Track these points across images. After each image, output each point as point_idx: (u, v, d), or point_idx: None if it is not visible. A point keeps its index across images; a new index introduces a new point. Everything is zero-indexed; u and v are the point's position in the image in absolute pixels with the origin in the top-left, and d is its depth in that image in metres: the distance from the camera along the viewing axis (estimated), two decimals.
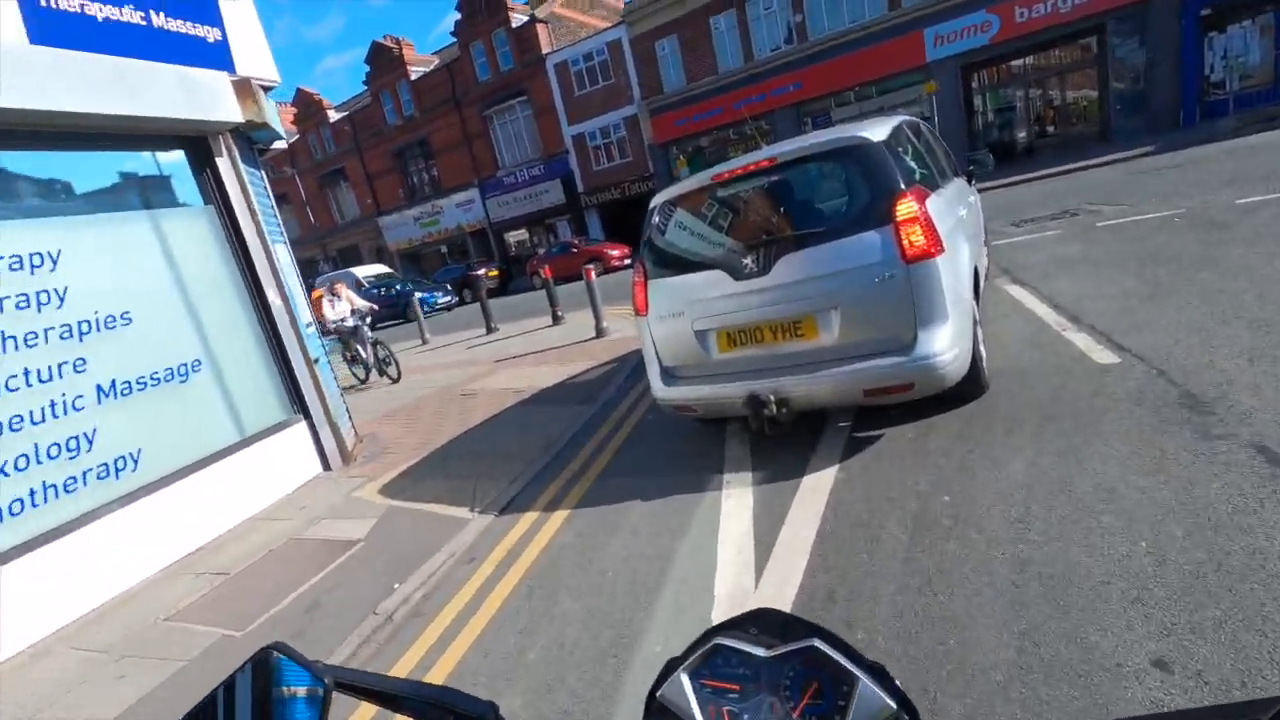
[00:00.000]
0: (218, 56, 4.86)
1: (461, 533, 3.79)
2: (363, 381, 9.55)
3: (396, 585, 3.34)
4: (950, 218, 3.52)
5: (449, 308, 21.19)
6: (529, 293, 20.90)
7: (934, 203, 3.31)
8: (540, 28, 24.79)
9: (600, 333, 8.53)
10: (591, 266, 8.98)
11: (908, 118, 4.16)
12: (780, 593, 2.49)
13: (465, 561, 3.55)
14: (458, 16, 25.96)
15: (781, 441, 3.76)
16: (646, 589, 2.79)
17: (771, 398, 3.28)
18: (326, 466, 5.57)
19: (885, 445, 3.44)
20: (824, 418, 3.95)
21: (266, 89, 5.26)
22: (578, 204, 25.98)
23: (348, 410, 6.33)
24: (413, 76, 28.54)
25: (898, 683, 0.51)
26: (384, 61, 28.79)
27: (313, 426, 5.45)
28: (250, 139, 5.38)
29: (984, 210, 6.03)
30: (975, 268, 3.70)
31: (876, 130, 3.32)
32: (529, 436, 5.20)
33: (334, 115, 32.80)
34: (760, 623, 0.59)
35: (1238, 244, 5.25)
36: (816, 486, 3.22)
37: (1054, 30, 17.21)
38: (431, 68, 29.24)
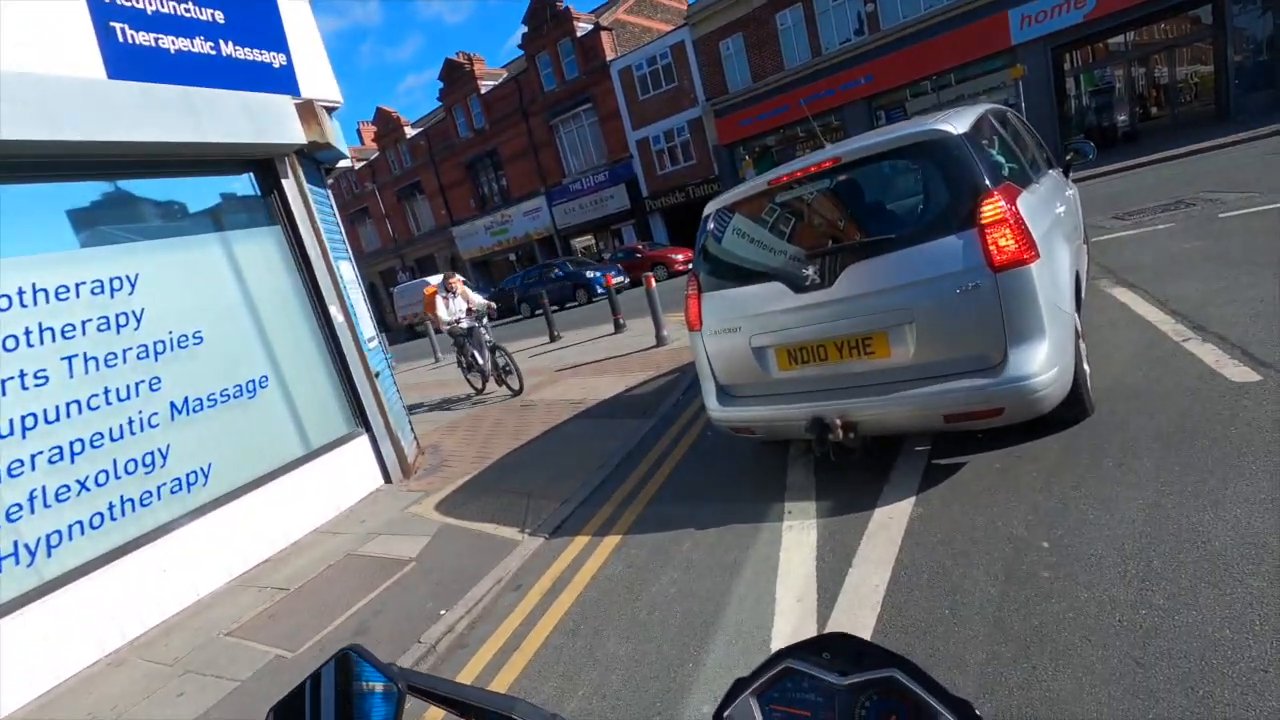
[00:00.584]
0: (283, 81, 5.01)
1: (509, 557, 3.68)
2: (479, 391, 8.49)
3: (443, 612, 3.25)
4: (1046, 218, 3.09)
5: (619, 290, 19.23)
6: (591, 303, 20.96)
7: (1026, 201, 2.89)
8: (604, 35, 24.94)
9: (661, 341, 8.34)
10: (652, 274, 8.79)
11: (993, 106, 3.72)
12: None
13: (512, 589, 3.43)
14: (524, 30, 26.52)
15: (850, 466, 3.43)
16: (696, 635, 2.55)
17: (838, 421, 2.97)
18: (388, 479, 5.64)
19: (970, 476, 3.06)
20: (899, 440, 3.58)
21: (330, 109, 5.39)
22: (642, 208, 25.94)
23: (410, 422, 6.41)
24: (483, 90, 29.40)
25: None
26: (456, 77, 29.82)
27: (374, 439, 5.53)
28: (315, 159, 5.53)
29: (1082, 204, 5.41)
30: (1076, 273, 3.24)
31: (957, 122, 2.92)
32: (584, 452, 5.06)
33: (410, 131, 34.30)
34: (834, 648, 0.56)
35: None
36: (889, 522, 2.88)
37: (1160, 1, 15.64)
38: (500, 81, 30.03)
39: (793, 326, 3.11)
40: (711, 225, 3.57)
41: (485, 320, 7.99)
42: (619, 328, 10.53)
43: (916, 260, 2.78)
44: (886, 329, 2.87)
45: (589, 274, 20.00)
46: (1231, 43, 15.50)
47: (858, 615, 2.35)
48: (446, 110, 31.06)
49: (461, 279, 8.14)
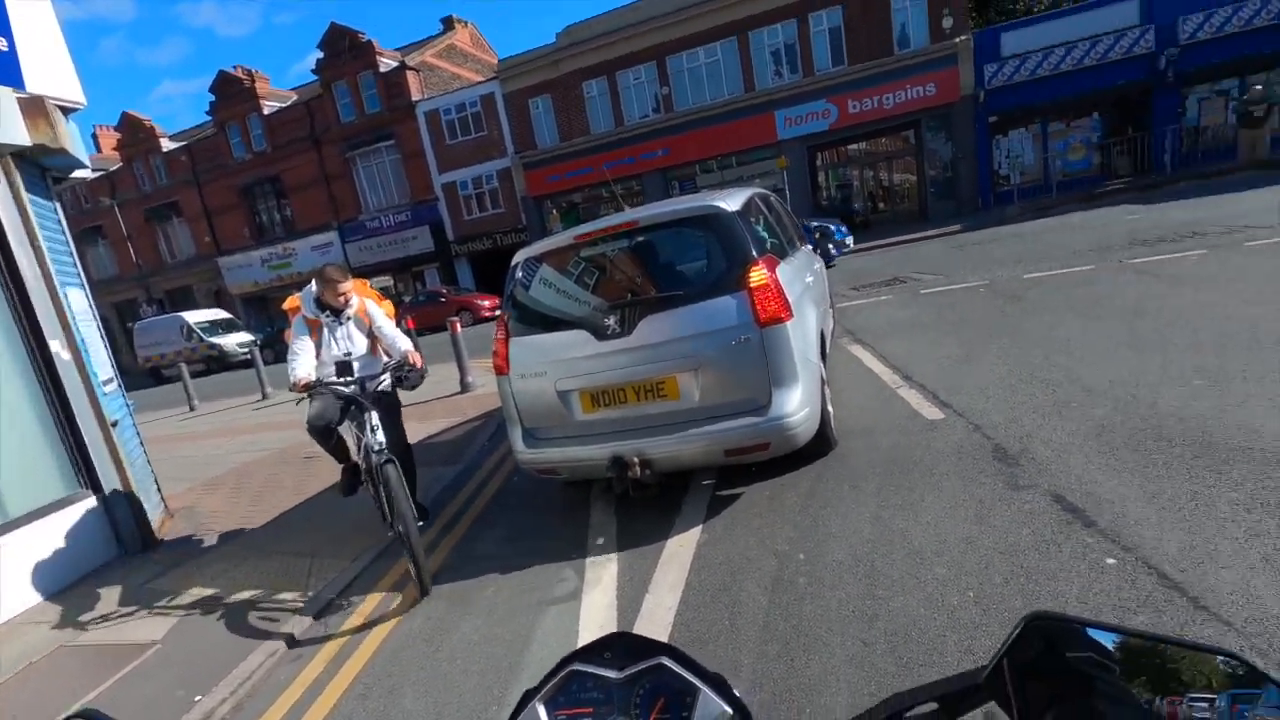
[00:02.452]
0: (2, 70, 4.15)
1: (286, 624, 3.29)
2: (348, 491, 4.14)
3: (198, 698, 2.79)
4: (798, 285, 3.76)
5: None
6: None
7: (783, 270, 3.53)
8: (410, 75, 24.37)
9: (465, 387, 8.15)
10: (457, 319, 8.61)
11: (759, 190, 4.46)
12: None
13: (290, 660, 3.06)
14: (320, 55, 24.85)
15: (648, 503, 3.71)
16: (500, 678, 2.54)
17: (635, 459, 3.23)
18: (124, 550, 4.68)
19: (746, 504, 3.50)
20: (689, 476, 3.96)
21: (67, 110, 4.58)
22: (448, 252, 25.26)
23: (155, 480, 5.42)
24: (266, 111, 26.66)
25: (736, 691, 0.55)
26: (232, 92, 26.67)
27: (105, 502, 4.58)
28: (41, 165, 4.61)
29: (828, 276, 6.59)
30: (821, 331, 3.96)
31: (731, 200, 3.48)
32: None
33: (168, 145, 29.61)
34: (614, 647, 0.61)
35: (1028, 313, 6.15)
36: (680, 550, 3.17)
37: (881, 122, 19.83)
38: (288, 103, 27.54)
39: (595, 371, 3.36)
40: (520, 274, 3.73)
41: (382, 381, 3.82)
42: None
43: (700, 315, 3.20)
44: (677, 374, 3.24)
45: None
46: (926, 160, 20.14)
47: (653, 634, 2.54)
48: (218, 126, 27.49)
49: (367, 282, 4.33)
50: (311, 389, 3.51)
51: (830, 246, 13.04)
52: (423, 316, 19.06)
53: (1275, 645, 1.82)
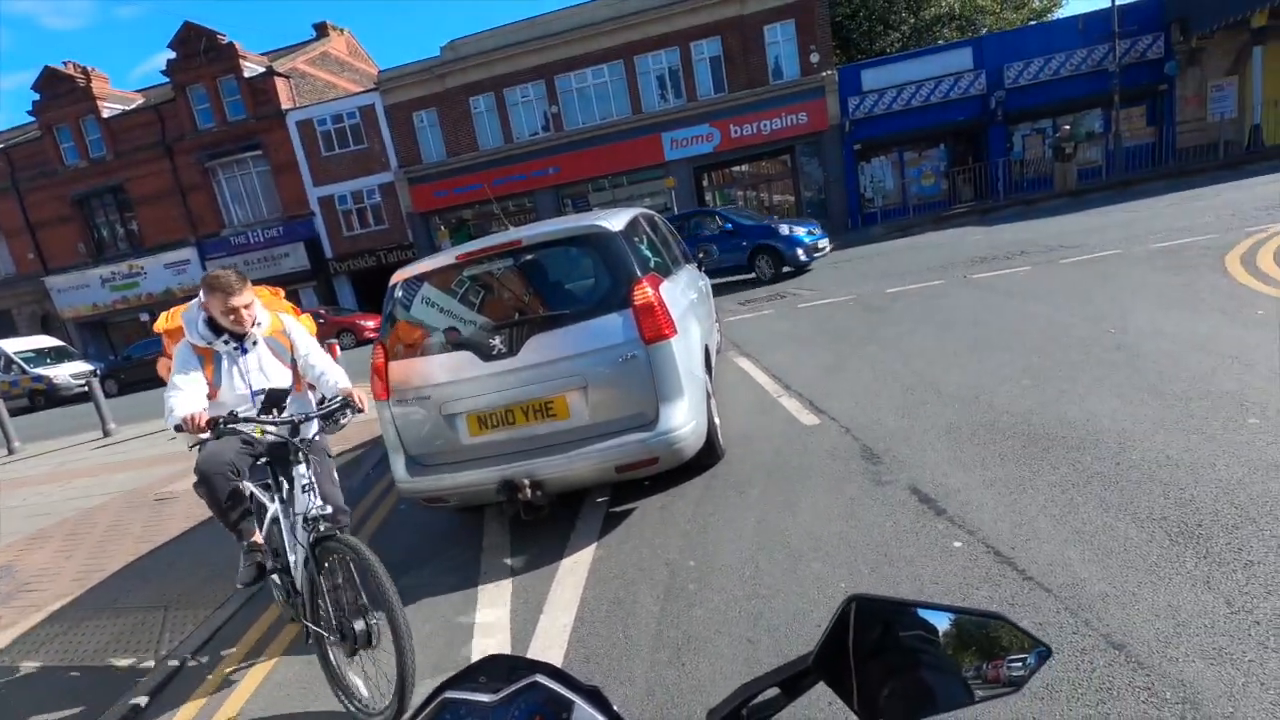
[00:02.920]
0: None
1: (131, 691, 2.92)
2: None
3: None
4: (682, 301, 3.89)
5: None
6: None
7: (667, 288, 3.62)
8: (280, 81, 22.81)
9: None
10: (337, 341, 8.12)
11: (644, 210, 4.60)
12: None
13: None
14: (171, 55, 22.66)
15: (542, 524, 3.67)
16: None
17: (526, 481, 3.17)
18: None
19: (639, 517, 3.57)
20: (583, 494, 3.97)
21: None
22: (326, 270, 23.73)
23: None
24: (106, 114, 23.86)
25: (614, 706, 0.55)
26: (63, 91, 23.64)
27: None
28: None
29: (717, 292, 6.90)
30: (706, 346, 4.14)
31: (615, 220, 3.55)
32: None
33: None
34: (489, 670, 0.60)
35: (889, 324, 6.76)
36: (575, 567, 3.17)
37: (761, 147, 21.07)
38: (133, 106, 24.84)
39: (482, 393, 3.29)
40: (400, 294, 3.59)
41: (319, 428, 2.86)
42: None
43: (588, 333, 3.23)
44: (565, 393, 3.25)
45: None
46: (802, 182, 21.62)
47: (547, 655, 2.52)
48: (45, 128, 24.22)
49: (280, 292, 3.44)
50: (218, 426, 2.39)
51: (799, 251, 12.09)
52: None
53: (1083, 605, 2.12)
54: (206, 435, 2.48)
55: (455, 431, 3.38)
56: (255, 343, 2.82)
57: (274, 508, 2.66)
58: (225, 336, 2.76)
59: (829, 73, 19.98)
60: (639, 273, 3.35)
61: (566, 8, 21.14)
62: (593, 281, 3.52)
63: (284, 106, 22.67)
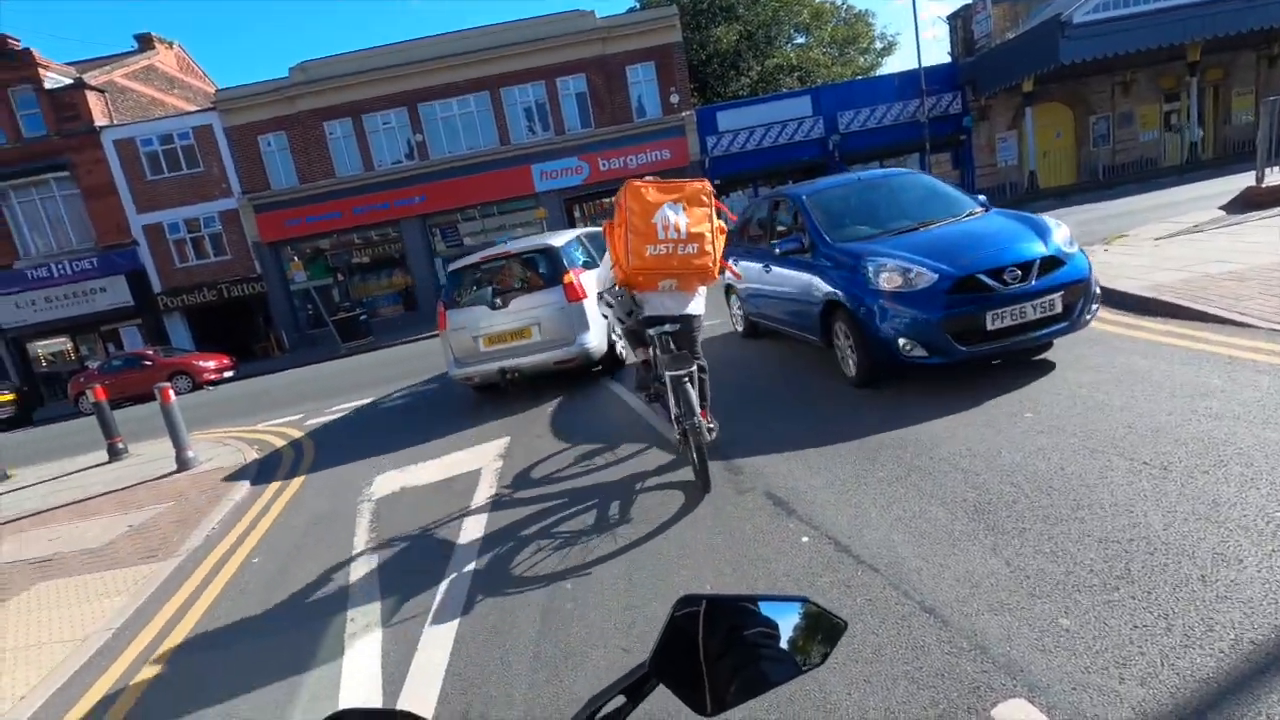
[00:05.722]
0: None
1: None
2: None
3: None
4: (594, 283, 5.06)
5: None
6: (76, 419, 15.75)
7: (586, 276, 6.50)
8: (92, 95, 20.23)
9: (184, 464, 6.87)
10: (169, 385, 7.27)
11: (586, 230, 7.88)
12: None
13: None
14: None
15: (416, 558, 3.57)
16: None
17: (512, 369, 6.41)
18: None
19: (515, 532, 3.57)
20: (462, 517, 3.91)
21: None
22: (154, 306, 21.08)
23: None
24: None
25: None
26: None
27: None
28: None
29: None
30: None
31: (557, 239, 6.82)
32: (58, 621, 3.76)
33: None
34: None
35: (765, 347, 7.29)
36: (450, 601, 3.12)
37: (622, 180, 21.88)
38: None
39: (490, 326, 6.50)
40: (450, 276, 7.07)
41: None
42: (116, 454, 8.21)
43: (541, 297, 6.41)
44: (530, 326, 6.43)
45: None
46: None
47: (423, 693, 2.47)
48: None
49: None
50: None
51: None
52: (120, 385, 15.71)
53: (903, 579, 2.47)
54: None
55: (477, 345, 6.58)
56: None
57: None
58: None
59: (688, 113, 21.31)
60: (568, 266, 6.49)
61: (429, 37, 20.84)
62: (547, 271, 6.54)
63: (98, 123, 20.11)
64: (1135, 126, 22.41)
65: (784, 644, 0.69)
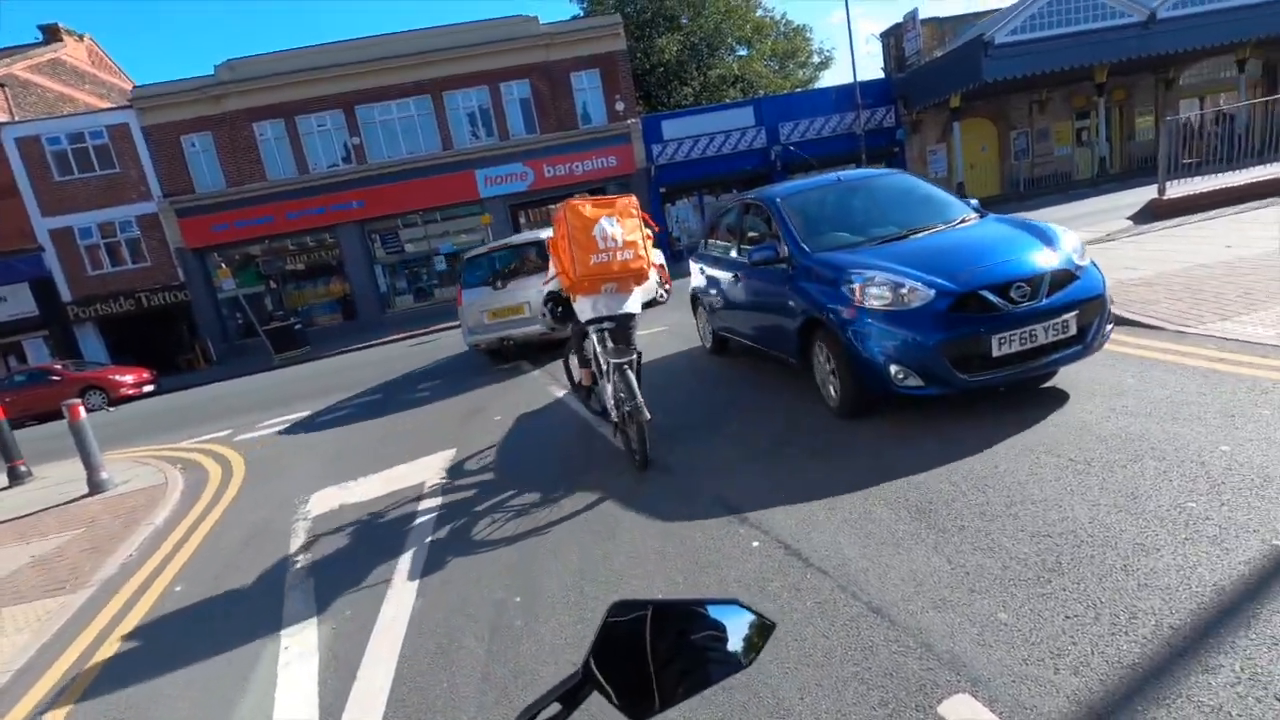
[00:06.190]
0: None
1: None
2: None
3: None
4: None
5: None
6: None
7: None
8: None
9: (97, 487, 6.37)
10: (80, 401, 6.73)
11: None
12: None
13: None
14: None
15: (356, 577, 3.41)
16: None
17: (511, 338, 8.41)
18: None
19: (464, 551, 3.46)
20: (405, 532, 3.76)
21: None
22: (63, 317, 19.59)
23: None
24: None
25: None
26: None
27: None
28: None
29: None
30: None
31: (547, 234, 6.97)
32: None
33: None
34: None
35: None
36: (393, 622, 2.98)
37: (574, 186, 21.71)
38: None
39: (493, 303, 8.39)
40: (466, 263, 9.17)
41: None
42: (18, 478, 7.55)
43: (532, 281, 8.01)
44: (522, 304, 8.20)
45: None
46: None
47: (363, 718, 2.35)
48: None
49: None
50: None
51: None
52: (22, 402, 14.57)
53: (851, 580, 2.51)
54: None
55: (483, 318, 8.50)
56: None
57: None
58: None
59: (634, 121, 21.44)
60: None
61: (368, 37, 20.23)
62: (538, 259, 8.21)
63: None
64: (1051, 141, 23.92)
65: (730, 645, 0.71)
